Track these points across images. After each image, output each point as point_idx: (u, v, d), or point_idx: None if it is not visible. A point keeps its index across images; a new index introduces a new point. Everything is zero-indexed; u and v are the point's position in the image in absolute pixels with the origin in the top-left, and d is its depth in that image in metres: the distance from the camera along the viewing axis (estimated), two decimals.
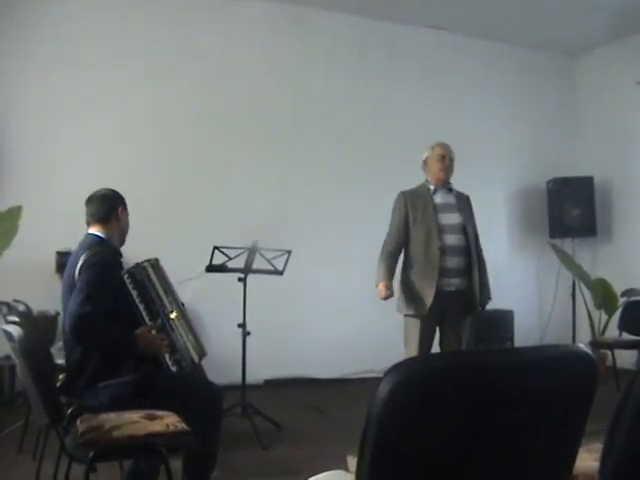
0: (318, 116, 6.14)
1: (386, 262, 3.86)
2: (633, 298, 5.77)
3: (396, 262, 3.91)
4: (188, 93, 5.71)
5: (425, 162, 3.95)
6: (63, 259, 4.93)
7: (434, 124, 6.08)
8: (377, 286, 3.83)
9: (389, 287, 3.79)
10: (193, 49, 5.78)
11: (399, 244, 3.89)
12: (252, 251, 4.23)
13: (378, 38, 6.45)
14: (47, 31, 5.31)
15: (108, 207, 2.89)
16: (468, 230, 3.85)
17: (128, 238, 5.31)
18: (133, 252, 5.14)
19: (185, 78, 5.72)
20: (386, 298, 3.80)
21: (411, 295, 3.79)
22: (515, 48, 7.01)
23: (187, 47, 5.76)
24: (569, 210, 6.68)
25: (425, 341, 3.77)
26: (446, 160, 3.88)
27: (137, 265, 2.82)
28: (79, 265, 2.60)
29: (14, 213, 4.62)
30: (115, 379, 2.55)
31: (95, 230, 2.87)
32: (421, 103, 6.49)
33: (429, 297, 3.69)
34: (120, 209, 2.94)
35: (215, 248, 4.09)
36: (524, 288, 6.86)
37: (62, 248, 4.95)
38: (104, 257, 2.67)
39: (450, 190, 3.94)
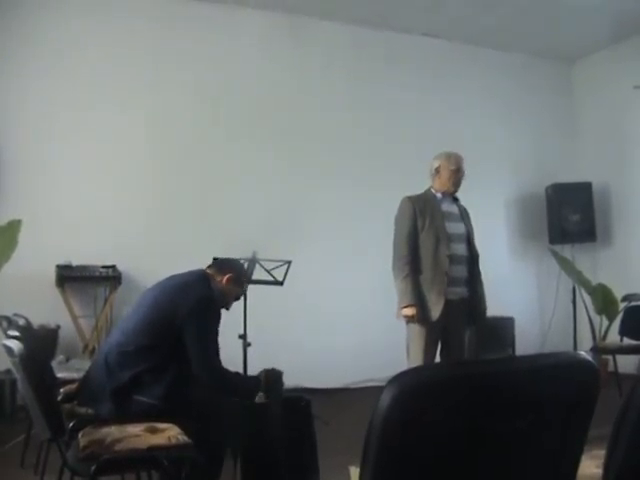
0: (316, 124, 6.16)
1: (409, 277, 3.66)
2: (634, 303, 5.74)
3: (417, 274, 3.71)
4: (187, 102, 5.73)
5: (437, 170, 3.83)
6: (63, 272, 4.93)
7: (432, 131, 6.11)
8: (403, 307, 3.65)
9: (420, 313, 3.61)
10: (192, 58, 5.81)
11: (412, 253, 3.70)
12: (252, 262, 4.23)
13: (375, 46, 6.49)
14: (47, 37, 5.32)
15: (224, 265, 3.03)
16: (472, 240, 3.84)
17: (129, 249, 5.32)
18: (132, 263, 5.18)
19: (184, 87, 5.74)
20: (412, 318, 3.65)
21: (419, 302, 3.68)
22: (512, 54, 7.04)
23: (186, 56, 5.79)
24: (568, 216, 6.70)
25: (430, 350, 3.69)
26: (460, 173, 3.82)
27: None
28: (192, 302, 2.65)
29: (14, 226, 4.62)
30: (144, 396, 2.53)
31: (209, 271, 2.96)
32: (419, 110, 6.51)
33: (439, 304, 3.63)
34: (228, 277, 2.94)
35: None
36: (524, 295, 6.85)
37: (62, 261, 4.95)
38: (213, 302, 2.76)
39: (455, 200, 3.91)
